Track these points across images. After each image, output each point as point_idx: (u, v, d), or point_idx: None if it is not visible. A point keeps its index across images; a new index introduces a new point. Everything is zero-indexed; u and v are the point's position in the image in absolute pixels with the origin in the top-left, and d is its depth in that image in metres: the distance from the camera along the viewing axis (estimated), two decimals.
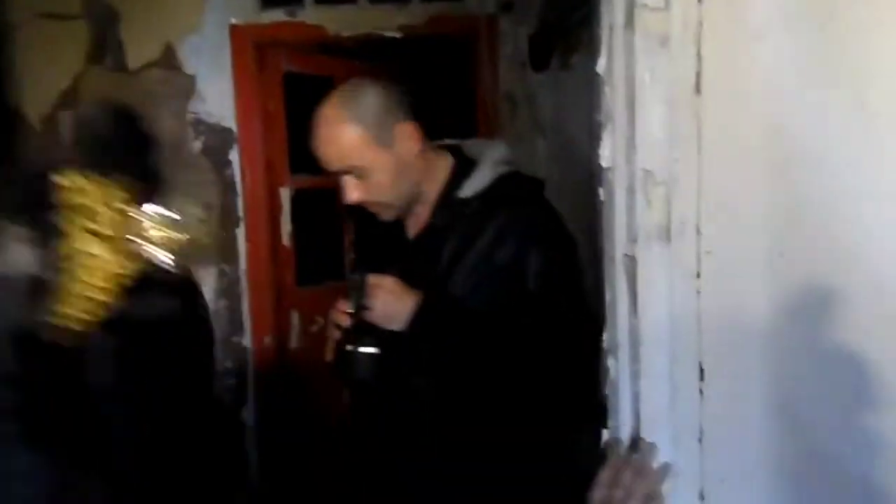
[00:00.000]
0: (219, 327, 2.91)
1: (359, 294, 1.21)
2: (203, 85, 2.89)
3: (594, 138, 2.30)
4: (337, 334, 1.25)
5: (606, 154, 0.93)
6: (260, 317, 2.94)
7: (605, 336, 0.97)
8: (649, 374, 0.88)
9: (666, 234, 0.86)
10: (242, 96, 2.90)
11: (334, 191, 3.23)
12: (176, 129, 2.88)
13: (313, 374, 3.16)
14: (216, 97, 2.89)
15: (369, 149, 1.23)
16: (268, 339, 2.95)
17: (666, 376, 0.88)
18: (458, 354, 1.23)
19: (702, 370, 0.87)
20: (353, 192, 1.28)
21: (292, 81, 3.05)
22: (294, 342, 3.07)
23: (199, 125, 2.90)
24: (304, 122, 3.18)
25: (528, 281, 1.23)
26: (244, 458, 2.97)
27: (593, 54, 2.51)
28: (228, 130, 2.91)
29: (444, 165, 1.33)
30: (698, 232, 0.86)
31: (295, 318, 3.08)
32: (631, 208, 0.89)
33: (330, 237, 3.32)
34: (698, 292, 0.86)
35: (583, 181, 2.84)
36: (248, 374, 2.97)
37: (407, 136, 1.26)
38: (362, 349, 1.21)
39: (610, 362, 0.95)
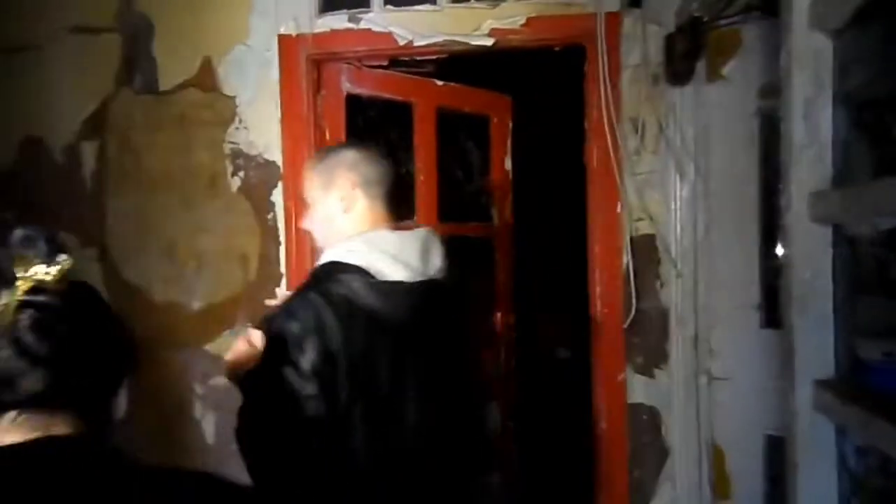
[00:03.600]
0: None
1: None
2: (245, 109, 2.34)
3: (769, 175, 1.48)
4: None
5: None
6: None
7: None
8: None
9: None
10: (292, 123, 2.32)
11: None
12: (210, 162, 2.35)
13: None
14: (260, 124, 2.33)
15: (312, 188, 1.44)
16: None
17: None
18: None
19: None
20: (304, 218, 1.50)
21: (356, 106, 2.45)
22: None
23: (239, 157, 2.34)
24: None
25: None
26: None
27: (757, 58, 1.71)
28: (273, 165, 2.33)
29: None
30: None
31: None
32: None
33: None
34: None
35: (748, 234, 2.03)
36: None
37: (340, 199, 1.40)
38: None
39: None
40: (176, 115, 2.36)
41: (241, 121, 2.34)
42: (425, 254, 1.40)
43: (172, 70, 2.36)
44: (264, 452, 1.25)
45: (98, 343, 0.84)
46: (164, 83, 2.37)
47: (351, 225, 1.40)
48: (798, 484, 1.18)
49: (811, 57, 1.15)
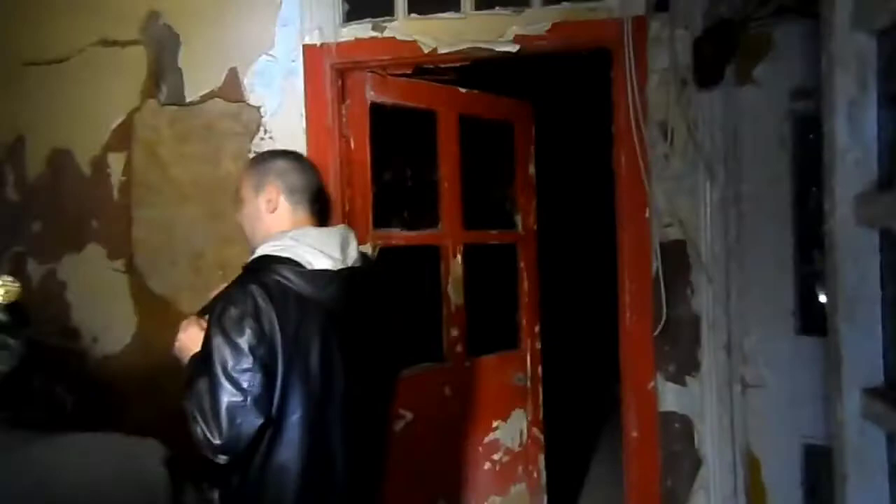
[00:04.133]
0: None
1: None
2: (270, 119, 2.35)
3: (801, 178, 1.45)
4: None
5: None
6: None
7: None
8: None
9: None
10: (317, 133, 2.32)
11: (431, 249, 2.58)
12: (236, 173, 2.34)
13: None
14: (286, 134, 2.33)
15: (245, 187, 1.65)
16: None
17: None
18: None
19: None
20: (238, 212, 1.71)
21: (380, 114, 2.45)
22: None
23: None
24: (393, 165, 2.53)
25: None
26: None
27: (789, 60, 1.68)
28: None
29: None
30: None
31: None
32: None
33: (424, 307, 2.65)
34: None
35: (781, 239, 2.00)
36: None
37: (267, 201, 1.61)
38: None
39: None
40: (202, 125, 2.37)
41: (266, 131, 2.34)
42: (344, 246, 1.59)
43: (198, 81, 2.38)
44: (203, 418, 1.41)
45: (30, 348, 0.96)
46: (190, 94, 2.38)
47: (274, 224, 1.61)
48: (847, 496, 1.15)
49: (854, 57, 1.13)
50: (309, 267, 1.50)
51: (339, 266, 1.54)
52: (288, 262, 1.49)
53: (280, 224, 1.60)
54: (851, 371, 1.14)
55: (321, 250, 1.52)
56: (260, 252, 1.54)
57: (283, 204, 1.61)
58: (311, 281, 1.49)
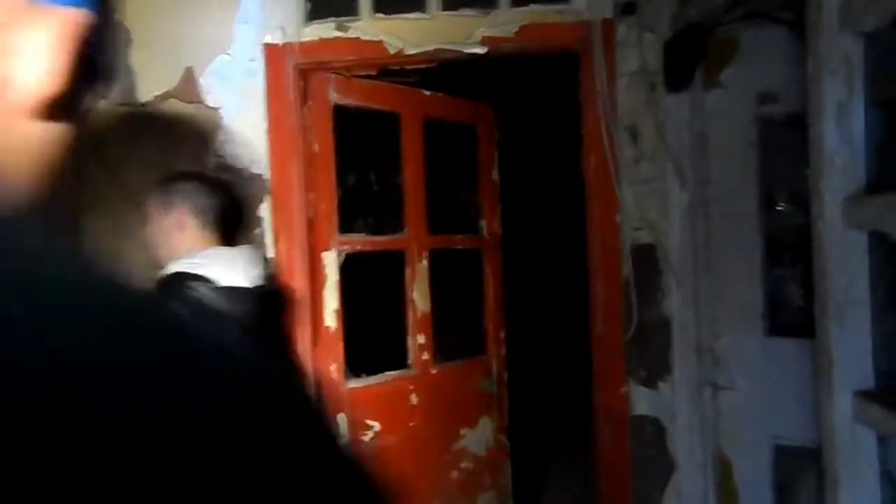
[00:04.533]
0: None
1: None
2: (230, 121, 2.25)
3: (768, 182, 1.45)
4: None
5: None
6: None
7: None
8: None
9: None
10: (279, 136, 2.24)
11: (396, 254, 2.52)
12: None
13: None
14: (246, 137, 2.24)
15: (152, 210, 1.72)
16: None
17: None
18: None
19: None
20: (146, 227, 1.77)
21: (342, 116, 2.38)
22: None
23: (224, 171, 2.24)
24: (357, 169, 2.47)
25: None
26: None
27: (755, 65, 1.69)
28: (260, 179, 2.24)
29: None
30: None
31: (342, 422, 2.33)
32: None
33: (391, 315, 2.59)
34: None
35: (749, 242, 2.02)
36: None
37: (175, 220, 1.69)
38: None
39: None
40: (156, 127, 2.26)
41: (225, 133, 2.25)
42: (253, 265, 1.68)
43: (152, 81, 2.26)
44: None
45: None
46: (143, 94, 2.26)
47: (181, 243, 1.67)
48: (839, 500, 1.14)
49: (842, 60, 1.13)
50: (222, 284, 1.58)
51: (251, 284, 1.63)
52: (202, 279, 1.56)
53: (187, 243, 1.67)
54: (842, 374, 1.14)
55: (234, 269, 1.62)
56: (173, 269, 1.60)
57: (191, 223, 1.68)
58: (227, 298, 1.57)
